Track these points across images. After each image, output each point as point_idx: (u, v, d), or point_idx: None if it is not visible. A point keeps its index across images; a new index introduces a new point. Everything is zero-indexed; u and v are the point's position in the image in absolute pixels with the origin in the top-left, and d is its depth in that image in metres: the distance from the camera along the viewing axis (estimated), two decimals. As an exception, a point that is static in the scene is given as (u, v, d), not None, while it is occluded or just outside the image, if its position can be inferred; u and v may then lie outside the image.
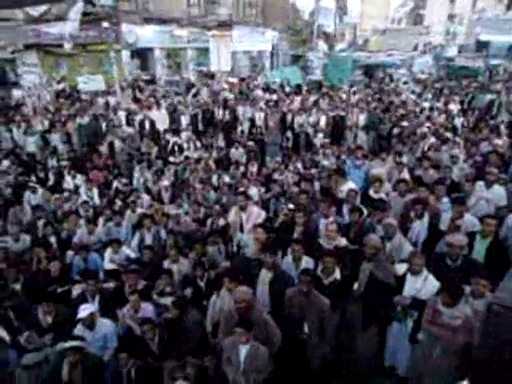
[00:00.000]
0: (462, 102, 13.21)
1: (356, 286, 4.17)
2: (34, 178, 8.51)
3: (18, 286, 5.18)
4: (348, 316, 4.12)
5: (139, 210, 6.73)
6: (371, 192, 6.14)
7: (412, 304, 3.91)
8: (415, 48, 26.96)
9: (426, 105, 12.64)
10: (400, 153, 7.52)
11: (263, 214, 5.58)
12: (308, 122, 10.45)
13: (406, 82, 17.64)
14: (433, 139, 8.77)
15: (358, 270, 4.35)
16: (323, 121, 10.66)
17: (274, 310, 4.01)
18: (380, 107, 11.99)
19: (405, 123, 10.25)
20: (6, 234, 6.21)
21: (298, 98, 13.05)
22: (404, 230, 5.05)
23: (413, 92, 15.33)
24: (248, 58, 22.69)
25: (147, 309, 4.57)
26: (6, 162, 8.58)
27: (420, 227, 5.09)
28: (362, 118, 10.58)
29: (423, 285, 3.96)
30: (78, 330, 4.12)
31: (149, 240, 6.01)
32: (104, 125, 10.07)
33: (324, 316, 3.82)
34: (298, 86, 15.85)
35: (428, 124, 10.13)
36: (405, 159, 7.40)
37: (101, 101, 12.07)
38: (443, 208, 5.41)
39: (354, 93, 13.62)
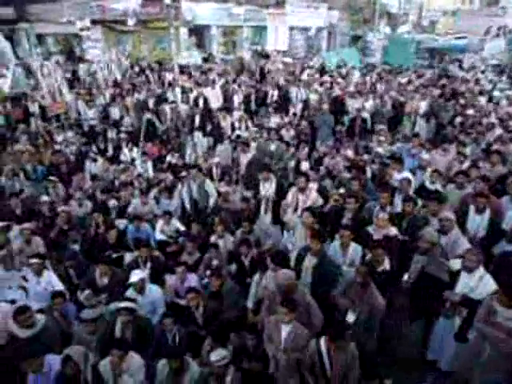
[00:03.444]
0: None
1: (406, 277, 4.04)
2: (94, 149, 9.05)
3: (76, 247, 5.60)
4: (395, 307, 4.01)
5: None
6: (427, 183, 5.88)
7: (462, 302, 3.72)
8: (487, 31, 24.65)
9: (497, 94, 11.61)
10: (464, 143, 7.04)
11: (320, 200, 5.53)
12: (364, 107, 10.04)
13: (483, 71, 16.21)
14: (500, 130, 8.11)
15: (407, 260, 4.21)
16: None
17: (315, 295, 3.96)
18: (443, 94, 11.22)
19: (470, 111, 9.55)
20: (70, 198, 6.67)
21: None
22: (460, 225, 4.78)
23: (490, 81, 14.09)
24: (304, 38, 22.05)
25: (192, 279, 4.79)
26: (70, 133, 9.17)
27: (480, 222, 4.79)
28: (423, 105, 9.99)
29: (478, 284, 3.73)
30: (130, 293, 4.38)
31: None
32: (152, 101, 10.33)
33: (374, 315, 3.70)
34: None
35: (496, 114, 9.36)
36: (468, 150, 6.93)
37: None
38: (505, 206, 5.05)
39: (418, 77, 12.83)
